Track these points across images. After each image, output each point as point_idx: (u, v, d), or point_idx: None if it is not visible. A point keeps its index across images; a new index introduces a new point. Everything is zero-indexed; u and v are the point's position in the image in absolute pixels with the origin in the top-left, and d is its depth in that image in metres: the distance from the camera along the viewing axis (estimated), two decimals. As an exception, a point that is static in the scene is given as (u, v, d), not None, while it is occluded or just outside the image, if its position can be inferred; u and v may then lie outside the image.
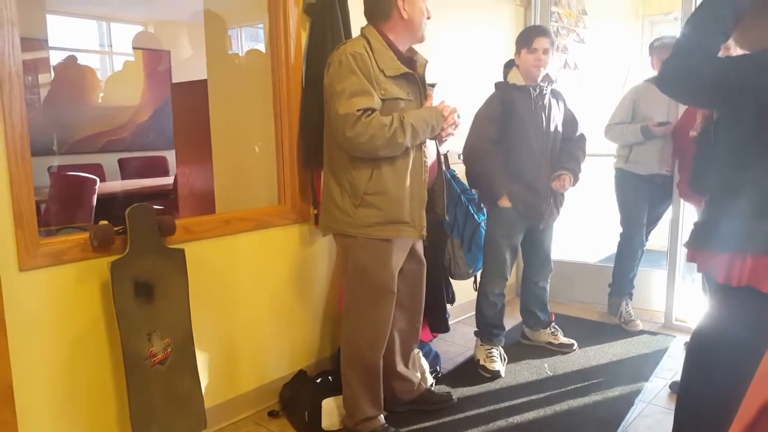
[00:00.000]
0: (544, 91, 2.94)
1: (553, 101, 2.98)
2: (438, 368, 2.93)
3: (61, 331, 1.91)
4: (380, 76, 2.09)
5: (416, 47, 2.31)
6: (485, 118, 2.91)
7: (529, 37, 2.88)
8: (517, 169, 2.89)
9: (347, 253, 2.27)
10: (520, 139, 2.88)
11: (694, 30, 1.52)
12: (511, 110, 2.86)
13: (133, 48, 5.94)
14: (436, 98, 2.27)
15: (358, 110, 2.02)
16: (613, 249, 3.81)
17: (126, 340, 1.94)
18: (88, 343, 1.98)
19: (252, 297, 2.52)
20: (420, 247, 2.44)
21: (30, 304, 1.83)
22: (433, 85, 2.39)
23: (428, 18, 2.22)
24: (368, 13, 2.23)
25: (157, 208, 2.10)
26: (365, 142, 2.03)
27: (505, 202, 2.88)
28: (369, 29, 2.20)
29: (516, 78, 2.92)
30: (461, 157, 3.00)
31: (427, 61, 2.33)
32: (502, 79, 3.03)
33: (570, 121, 3.08)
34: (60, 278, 1.89)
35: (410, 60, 2.25)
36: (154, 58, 6.00)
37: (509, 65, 3.01)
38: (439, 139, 2.28)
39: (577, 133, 3.10)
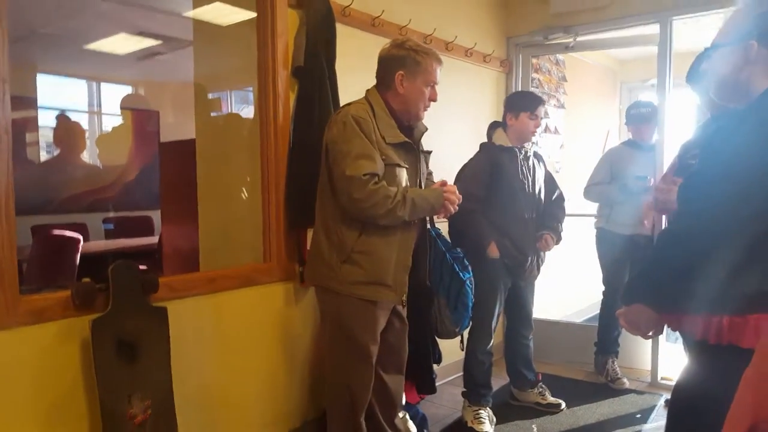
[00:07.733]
0: (529, 153, 3.02)
1: (536, 162, 3.06)
2: (426, 431, 2.86)
3: (40, 390, 1.86)
4: (381, 142, 2.15)
5: None
6: (472, 177, 2.93)
7: (534, 104, 2.96)
8: (503, 227, 2.91)
9: (327, 309, 2.28)
10: (507, 199, 2.91)
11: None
12: (499, 171, 2.91)
13: (122, 108, 6.01)
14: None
15: (365, 174, 2.05)
16: (597, 308, 3.82)
17: (105, 401, 1.88)
18: (67, 403, 1.92)
19: (236, 356, 2.47)
20: (402, 310, 2.41)
21: (8, 362, 1.78)
22: (429, 153, 2.45)
23: (432, 100, 2.27)
24: (378, 77, 2.28)
25: (141, 268, 2.08)
26: (368, 207, 2.07)
27: (493, 250, 2.88)
28: (373, 93, 2.26)
29: (503, 139, 2.97)
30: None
31: (426, 129, 2.39)
32: (486, 139, 3.08)
33: (549, 181, 3.16)
34: (40, 337, 1.85)
35: (409, 128, 2.31)
36: (142, 119, 6.07)
37: (494, 126, 3.08)
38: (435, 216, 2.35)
39: (556, 193, 3.18)
